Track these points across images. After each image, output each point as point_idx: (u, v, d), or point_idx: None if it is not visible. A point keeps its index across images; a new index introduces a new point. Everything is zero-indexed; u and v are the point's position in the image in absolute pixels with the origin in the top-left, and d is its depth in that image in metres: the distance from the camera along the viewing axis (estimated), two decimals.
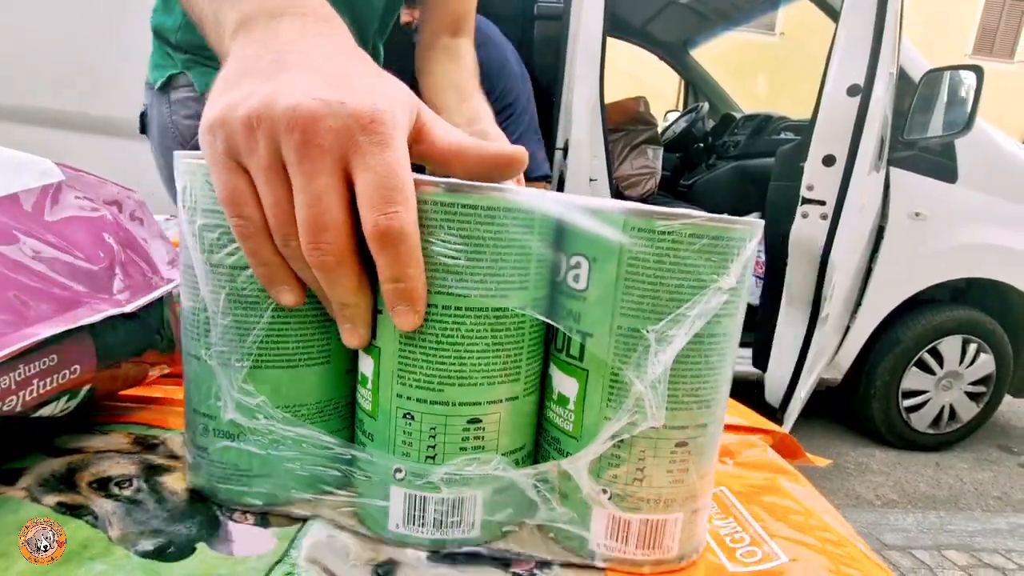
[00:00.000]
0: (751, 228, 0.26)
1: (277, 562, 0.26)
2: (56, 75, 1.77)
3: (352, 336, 0.26)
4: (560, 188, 1.95)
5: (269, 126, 0.23)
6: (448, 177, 0.28)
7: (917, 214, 1.95)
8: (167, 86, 0.71)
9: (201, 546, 0.26)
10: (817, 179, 1.73)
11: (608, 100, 2.01)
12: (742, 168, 2.70)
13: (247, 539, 0.27)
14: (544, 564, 0.28)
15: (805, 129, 1.80)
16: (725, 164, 2.85)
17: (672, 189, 3.07)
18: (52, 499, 0.28)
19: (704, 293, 0.25)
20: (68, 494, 0.29)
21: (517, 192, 0.25)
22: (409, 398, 0.26)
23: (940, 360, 2.14)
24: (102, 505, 0.28)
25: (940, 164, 1.96)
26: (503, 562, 0.28)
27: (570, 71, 1.94)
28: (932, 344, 2.11)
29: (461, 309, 0.25)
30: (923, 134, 1.87)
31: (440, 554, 0.27)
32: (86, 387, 0.32)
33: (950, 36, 10.94)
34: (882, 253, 1.95)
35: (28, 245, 0.31)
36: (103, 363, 0.33)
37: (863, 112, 1.62)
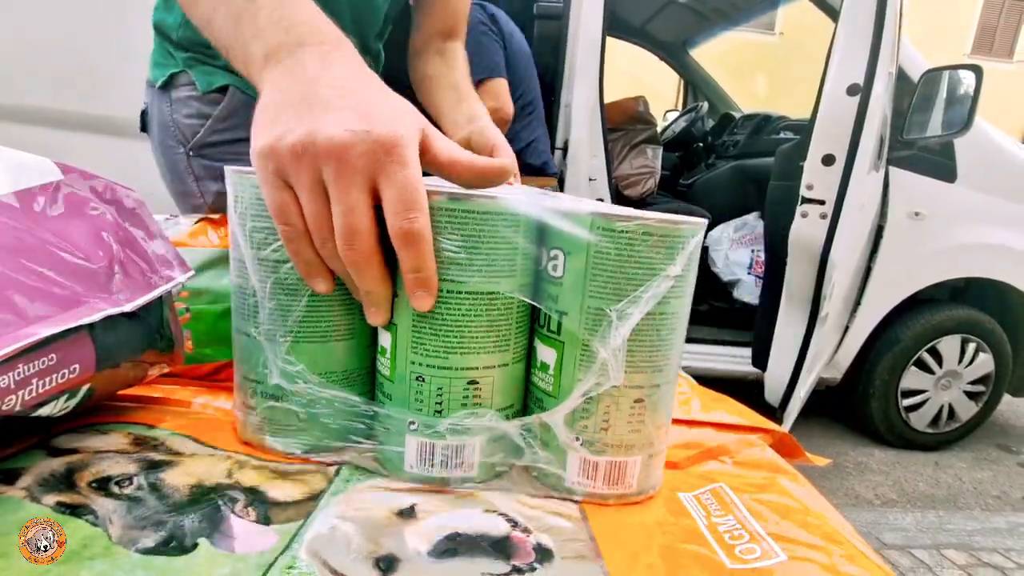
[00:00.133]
0: (695, 226, 0.31)
1: (279, 556, 0.26)
2: (56, 75, 1.77)
3: (376, 317, 0.33)
4: (560, 187, 1.95)
5: (312, 155, 0.29)
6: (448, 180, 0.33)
7: (916, 213, 1.95)
8: (168, 85, 0.71)
9: (203, 542, 0.26)
10: (817, 178, 1.73)
11: (608, 100, 2.01)
12: (741, 168, 2.70)
13: (249, 536, 0.27)
14: (545, 556, 0.28)
15: (804, 128, 1.80)
16: (724, 164, 2.85)
17: (672, 188, 3.07)
18: (52, 498, 0.28)
19: (655, 279, 0.31)
20: (68, 493, 0.29)
21: (506, 199, 0.31)
22: (420, 364, 0.32)
23: (939, 359, 2.14)
24: (102, 504, 0.28)
25: (939, 164, 1.96)
26: (504, 554, 0.28)
27: (570, 71, 1.94)
28: (931, 343, 2.11)
29: (462, 293, 0.31)
30: (922, 134, 1.87)
31: (440, 548, 0.27)
32: (85, 387, 0.32)
33: (949, 35, 10.94)
34: (881, 252, 1.95)
35: (27, 244, 0.31)
36: (102, 363, 0.33)
37: (863, 111, 1.62)
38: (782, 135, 2.70)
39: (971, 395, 2.21)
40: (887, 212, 1.92)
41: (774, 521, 0.33)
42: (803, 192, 1.75)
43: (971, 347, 2.13)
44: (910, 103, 1.82)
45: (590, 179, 1.97)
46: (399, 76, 0.82)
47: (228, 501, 0.30)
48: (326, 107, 0.30)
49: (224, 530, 0.27)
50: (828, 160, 1.70)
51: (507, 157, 0.59)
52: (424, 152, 0.32)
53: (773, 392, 1.97)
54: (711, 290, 2.55)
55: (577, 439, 0.33)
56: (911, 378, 2.15)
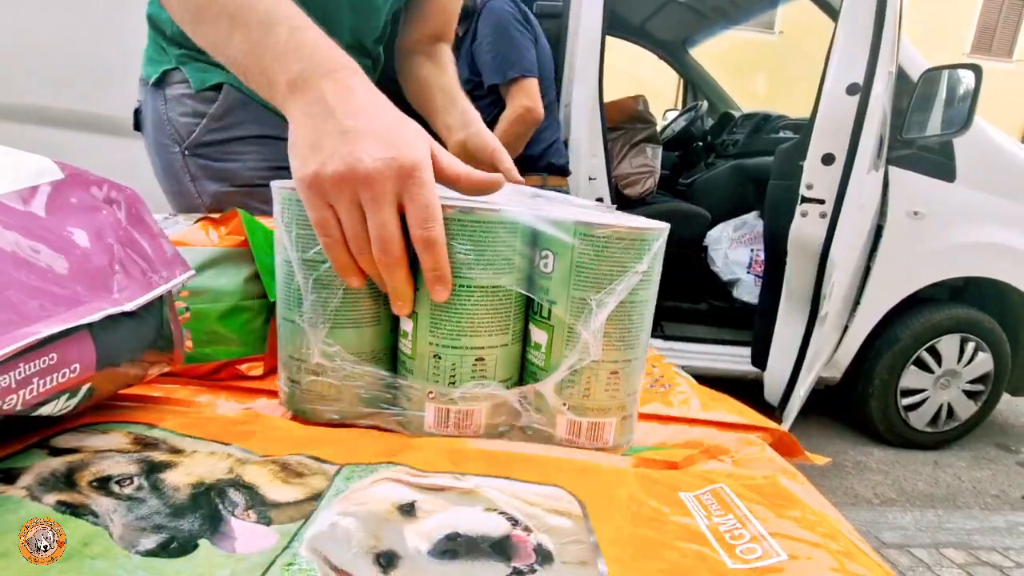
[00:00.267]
0: (659, 231, 0.38)
1: (279, 554, 0.26)
2: (56, 74, 1.77)
3: (402, 308, 0.39)
4: None
5: (351, 182, 0.36)
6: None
7: (916, 213, 1.95)
8: (162, 82, 0.70)
9: (203, 543, 0.26)
10: (816, 178, 1.73)
11: (607, 99, 2.01)
12: (741, 167, 2.70)
13: (250, 536, 0.27)
14: (545, 559, 0.28)
15: (804, 128, 1.80)
16: (724, 163, 2.85)
17: (671, 188, 3.07)
18: (52, 498, 0.28)
19: (626, 275, 0.37)
20: (68, 493, 0.29)
21: (507, 211, 0.38)
22: (437, 344, 0.39)
23: (938, 359, 2.14)
24: (103, 504, 0.28)
25: (939, 163, 1.96)
26: (505, 555, 0.28)
27: (569, 70, 1.94)
28: (930, 343, 2.11)
29: (471, 287, 0.38)
30: (922, 133, 1.87)
31: (440, 548, 0.27)
32: (86, 386, 0.32)
33: (949, 35, 10.95)
34: (881, 252, 1.95)
35: (27, 244, 0.31)
36: (103, 362, 0.33)
37: (862, 111, 1.63)
38: (782, 134, 2.70)
39: (970, 394, 2.21)
40: (887, 211, 1.93)
41: (774, 520, 0.33)
42: (803, 191, 1.75)
43: (970, 346, 2.14)
44: (910, 102, 1.82)
45: (590, 178, 1.97)
46: (387, 71, 0.82)
47: (229, 502, 0.30)
48: (355, 139, 0.36)
49: (225, 531, 0.27)
50: (828, 159, 1.70)
51: (505, 160, 0.65)
52: (431, 165, 0.38)
53: (773, 391, 1.98)
54: (710, 289, 2.55)
55: (564, 404, 0.40)
56: (910, 377, 2.15)
